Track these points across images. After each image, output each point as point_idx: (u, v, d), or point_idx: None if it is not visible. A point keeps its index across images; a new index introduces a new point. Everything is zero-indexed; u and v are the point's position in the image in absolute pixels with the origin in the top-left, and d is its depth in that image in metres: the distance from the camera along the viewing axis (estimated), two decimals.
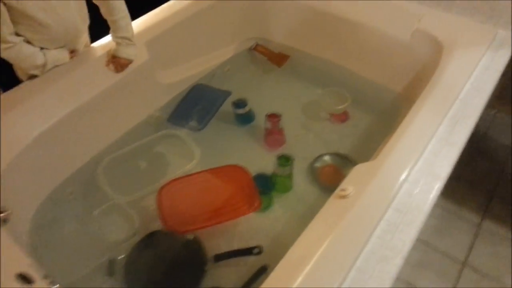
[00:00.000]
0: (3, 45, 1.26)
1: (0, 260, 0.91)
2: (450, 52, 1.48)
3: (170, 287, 1.23)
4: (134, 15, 1.71)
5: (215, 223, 1.31)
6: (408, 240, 0.98)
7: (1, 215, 0.80)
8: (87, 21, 1.48)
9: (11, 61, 1.35)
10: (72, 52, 1.47)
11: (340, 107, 1.68)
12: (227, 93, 1.82)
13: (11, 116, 1.30)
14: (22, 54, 1.32)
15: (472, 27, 1.58)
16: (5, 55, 1.29)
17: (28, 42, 1.33)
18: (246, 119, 1.74)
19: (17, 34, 1.29)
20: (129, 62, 1.52)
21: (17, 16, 1.25)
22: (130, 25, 1.50)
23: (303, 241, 1.00)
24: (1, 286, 0.86)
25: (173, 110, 1.77)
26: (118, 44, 1.49)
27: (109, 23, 1.46)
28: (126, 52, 1.49)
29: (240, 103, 1.70)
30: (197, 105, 1.78)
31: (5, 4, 1.19)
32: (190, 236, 1.29)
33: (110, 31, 1.49)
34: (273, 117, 1.57)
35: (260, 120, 1.69)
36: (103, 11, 1.43)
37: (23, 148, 1.29)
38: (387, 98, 1.77)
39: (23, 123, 1.31)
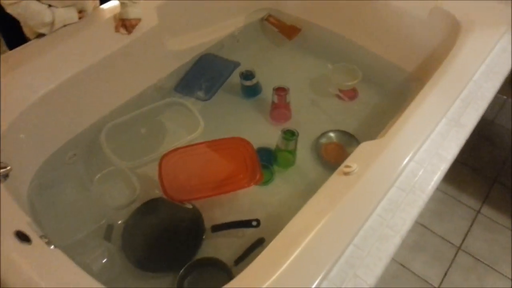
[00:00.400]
0: (9, 0, 1.24)
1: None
2: (467, 32, 1.43)
3: (167, 254, 1.24)
4: None
5: (215, 194, 1.30)
6: (408, 220, 0.97)
7: (1, 170, 0.79)
8: None
9: (18, 17, 1.32)
10: (81, 12, 1.44)
11: (350, 83, 1.65)
12: (236, 64, 1.79)
13: (17, 75, 1.29)
14: (29, 11, 1.29)
15: (492, 8, 1.53)
16: (12, 11, 1.27)
17: None
18: (253, 91, 1.71)
19: None
20: (138, 21, 1.49)
21: None
22: None
23: (303, 215, 1.00)
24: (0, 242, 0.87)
25: (180, 79, 1.75)
26: (124, 5, 1.45)
27: None
28: (134, 12, 1.46)
29: (247, 75, 1.67)
30: (204, 75, 1.75)
31: None
32: (188, 205, 1.29)
33: None
34: (281, 90, 1.54)
35: (267, 93, 1.67)
36: None
37: (27, 107, 1.28)
38: (398, 77, 1.73)
39: (28, 82, 1.30)
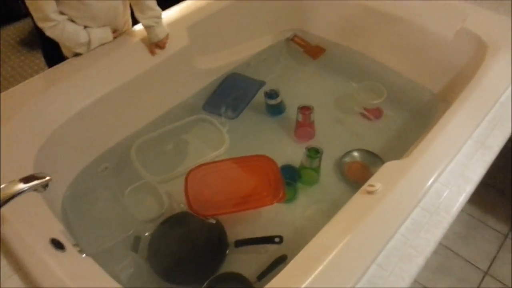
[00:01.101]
0: (48, 24, 1.32)
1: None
2: (494, 54, 1.43)
3: (191, 267, 1.26)
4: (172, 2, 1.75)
5: (238, 210, 1.32)
6: (432, 241, 0.97)
7: (42, 181, 0.84)
8: (127, 2, 1.51)
9: (56, 39, 1.40)
10: (115, 31, 1.52)
11: (375, 101, 1.66)
12: (261, 83, 1.83)
13: (55, 90, 1.36)
14: (66, 32, 1.37)
15: None
16: (50, 33, 1.35)
17: (72, 20, 1.38)
18: (277, 110, 1.74)
19: (61, 13, 1.34)
20: (168, 36, 1.55)
21: None
22: (156, 3, 1.49)
23: (326, 233, 1.00)
24: (37, 249, 0.91)
25: (208, 98, 1.79)
26: (150, 27, 1.49)
27: (135, 5, 1.46)
28: (162, 31, 1.51)
29: (272, 94, 1.71)
30: (231, 94, 1.79)
31: None
32: (212, 220, 1.31)
33: (137, 13, 1.48)
34: (305, 109, 1.56)
35: (291, 112, 1.70)
36: None
37: (65, 121, 1.36)
38: (423, 98, 1.73)
39: (66, 97, 1.38)
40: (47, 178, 0.85)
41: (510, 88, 1.33)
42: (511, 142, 1.84)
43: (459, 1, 1.65)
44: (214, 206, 1.33)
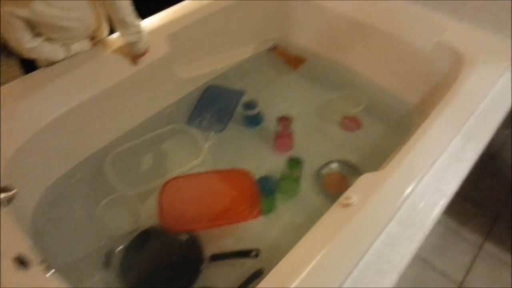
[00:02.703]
0: (25, 51, 1.31)
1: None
2: (471, 67, 1.45)
3: (165, 282, 1.23)
4: (151, 11, 1.73)
5: (212, 226, 1.30)
6: (406, 255, 0.96)
7: (5, 195, 0.81)
8: (104, 14, 1.48)
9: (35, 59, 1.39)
10: (93, 39, 1.50)
11: (354, 110, 1.66)
12: (241, 92, 1.83)
13: (29, 99, 1.33)
14: (44, 54, 1.36)
15: (496, 42, 1.55)
16: (27, 56, 1.34)
17: (49, 38, 1.35)
18: (255, 120, 1.73)
19: (38, 33, 1.32)
20: (149, 47, 1.54)
21: (37, 23, 1.28)
22: (137, 17, 1.46)
23: (301, 247, 0.99)
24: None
25: (190, 113, 1.76)
26: (132, 43, 1.47)
27: (116, 22, 1.43)
28: (144, 45, 1.50)
29: (250, 104, 1.70)
30: (213, 106, 1.77)
31: (21, 18, 1.22)
32: (183, 236, 1.28)
33: (118, 30, 1.46)
34: (284, 120, 1.56)
35: (269, 122, 1.69)
36: (108, 10, 1.41)
37: (37, 131, 1.32)
38: (401, 109, 1.74)
39: (40, 106, 1.34)
40: (12, 191, 0.81)
41: (485, 101, 1.35)
42: (486, 154, 1.88)
43: (437, 15, 1.68)
44: (187, 221, 1.31)
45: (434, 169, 1.16)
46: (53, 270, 0.94)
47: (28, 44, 1.28)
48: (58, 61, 1.42)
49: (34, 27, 1.29)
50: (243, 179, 1.41)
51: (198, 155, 1.58)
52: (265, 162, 1.57)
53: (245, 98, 1.77)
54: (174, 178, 1.43)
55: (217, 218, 1.31)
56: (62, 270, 1.10)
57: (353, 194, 1.08)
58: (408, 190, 1.08)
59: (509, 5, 1.50)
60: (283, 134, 1.59)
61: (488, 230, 1.68)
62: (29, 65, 1.55)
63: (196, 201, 1.37)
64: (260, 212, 1.32)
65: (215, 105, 1.78)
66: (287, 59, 2.02)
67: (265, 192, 1.43)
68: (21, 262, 0.90)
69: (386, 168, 1.15)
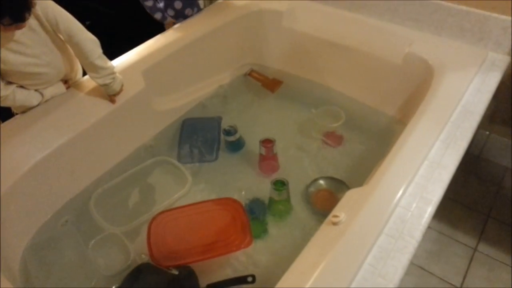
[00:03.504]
0: None
1: None
2: (440, 75, 1.49)
3: None
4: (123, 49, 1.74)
5: (203, 259, 1.28)
6: (400, 267, 0.97)
7: None
8: (75, 58, 1.48)
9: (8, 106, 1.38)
10: (66, 82, 1.50)
11: (335, 124, 1.69)
12: (219, 119, 1.85)
13: (7, 146, 1.32)
14: (17, 101, 1.35)
15: (463, 50, 1.60)
16: (1, 104, 1.32)
17: (22, 86, 1.35)
18: (236, 146, 1.74)
19: (9, 82, 1.31)
20: (123, 87, 1.54)
21: (6, 72, 1.28)
22: (107, 59, 1.46)
23: (295, 269, 0.99)
24: None
25: (178, 152, 1.73)
26: (106, 85, 1.46)
27: (86, 66, 1.43)
28: (118, 85, 1.50)
29: (230, 130, 1.71)
30: (197, 139, 1.77)
31: None
32: (174, 272, 1.25)
33: (90, 74, 1.45)
34: (267, 142, 1.57)
35: (252, 146, 1.70)
36: (76, 54, 1.41)
37: (18, 178, 1.30)
38: (381, 121, 1.78)
39: (19, 153, 1.33)
40: None
41: (459, 107, 1.39)
42: (470, 155, 1.92)
43: (401, 27, 1.73)
44: (177, 256, 1.29)
45: (418, 178, 1.17)
46: None
47: (0, 92, 1.28)
48: (33, 107, 1.41)
49: (4, 76, 1.28)
50: (233, 208, 1.40)
51: (184, 185, 1.57)
52: (252, 185, 1.57)
53: (224, 124, 1.78)
54: (161, 213, 1.41)
55: (208, 250, 1.29)
56: None
57: (340, 211, 1.08)
58: (394, 202, 1.09)
59: (470, 14, 1.56)
60: (267, 156, 1.59)
61: (480, 231, 1.70)
62: (4, 113, 1.54)
63: (186, 235, 1.35)
64: (251, 240, 1.30)
65: (199, 137, 1.77)
66: (264, 82, 2.05)
67: (255, 216, 1.43)
68: None
69: (370, 183, 1.16)
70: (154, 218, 1.39)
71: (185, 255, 1.29)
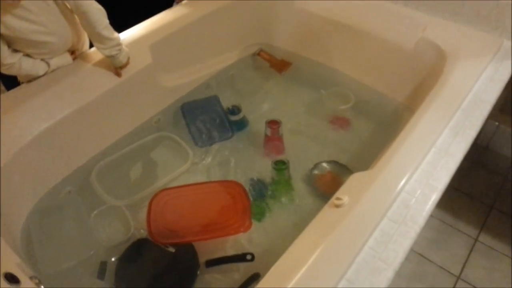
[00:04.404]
0: (3, 67, 1.28)
1: None
2: (453, 62, 1.46)
3: None
4: (130, 23, 1.72)
5: (201, 239, 1.28)
6: (401, 252, 0.96)
7: None
8: (82, 29, 1.46)
9: (15, 75, 1.36)
10: (73, 53, 1.48)
11: (343, 107, 1.67)
12: (216, 97, 1.83)
13: (12, 115, 1.31)
14: (23, 70, 1.34)
15: (477, 37, 1.57)
16: (7, 72, 1.31)
17: (28, 55, 1.34)
18: (240, 125, 1.72)
19: (16, 50, 1.30)
20: (129, 59, 1.52)
21: (13, 39, 1.26)
22: (113, 30, 1.43)
23: (295, 249, 0.99)
24: None
25: (193, 137, 1.69)
26: (112, 56, 1.44)
27: (92, 36, 1.41)
28: (124, 58, 1.48)
29: (234, 110, 1.69)
30: (205, 120, 1.74)
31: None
32: (171, 249, 1.26)
33: (96, 45, 1.43)
34: (273, 123, 1.56)
35: (257, 126, 1.69)
36: (83, 24, 1.39)
37: (22, 146, 1.30)
38: (388, 107, 1.75)
39: (23, 122, 1.32)
40: None
41: (470, 95, 1.36)
42: (477, 146, 1.89)
43: (416, 11, 1.69)
44: (175, 234, 1.28)
45: (424, 165, 1.16)
46: (42, 287, 0.92)
47: (7, 59, 1.26)
48: (39, 77, 1.40)
49: (11, 43, 1.27)
50: (234, 190, 1.39)
51: (185, 160, 1.57)
52: (256, 166, 1.56)
53: (228, 104, 1.76)
54: (162, 190, 1.41)
55: (207, 231, 1.29)
56: (55, 281, 1.09)
57: (343, 194, 1.07)
58: (399, 187, 1.08)
59: (488, 1, 1.52)
60: (272, 137, 1.58)
61: (482, 222, 1.69)
62: (10, 82, 1.53)
63: (185, 214, 1.35)
64: (251, 224, 1.29)
65: (205, 118, 1.75)
66: (273, 63, 2.02)
67: (257, 196, 1.43)
68: (11, 278, 0.88)
69: (375, 167, 1.15)
70: (155, 195, 1.38)
71: (183, 234, 1.29)
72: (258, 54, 2.06)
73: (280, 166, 1.40)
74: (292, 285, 0.88)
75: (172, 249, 1.26)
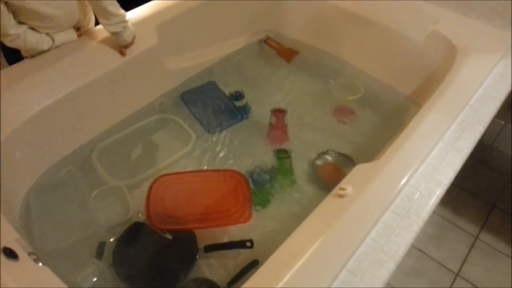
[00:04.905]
0: (8, 38, 1.26)
1: None
2: (464, 57, 1.44)
3: (159, 273, 1.21)
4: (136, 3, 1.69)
5: (199, 227, 1.27)
6: (403, 245, 0.95)
7: None
8: (89, 6, 1.44)
9: (19, 48, 1.34)
10: (79, 29, 1.46)
11: (351, 97, 1.65)
12: (214, 83, 1.81)
13: (13, 91, 1.29)
14: (28, 43, 1.32)
15: (489, 33, 1.54)
16: (12, 45, 1.29)
17: (33, 28, 1.31)
18: (243, 111, 1.71)
19: (21, 22, 1.28)
20: (134, 38, 1.49)
21: (18, 9, 1.24)
22: (119, 7, 1.41)
23: (296, 238, 0.98)
24: None
25: (201, 123, 1.67)
26: (117, 33, 1.41)
27: (98, 11, 1.38)
28: (130, 35, 1.46)
29: (237, 95, 1.67)
30: (210, 106, 1.72)
31: (5, 2, 1.18)
32: (168, 236, 1.25)
33: (101, 20, 1.40)
34: (278, 112, 1.54)
35: (262, 115, 1.67)
36: None
37: (23, 122, 1.28)
38: (395, 100, 1.73)
39: (26, 97, 1.30)
40: None
41: (480, 91, 1.35)
42: (482, 144, 1.88)
43: (428, 3, 1.66)
44: (173, 221, 1.27)
45: (430, 159, 1.15)
46: (40, 264, 0.92)
47: (12, 29, 1.24)
48: (43, 51, 1.38)
49: (16, 14, 1.24)
50: (236, 180, 1.37)
51: (187, 143, 1.56)
52: (259, 155, 1.55)
53: (231, 90, 1.74)
54: (163, 176, 1.39)
55: (206, 220, 1.27)
56: (51, 258, 1.08)
57: (347, 185, 1.07)
58: (403, 180, 1.06)
59: None
60: (277, 126, 1.56)
61: (484, 220, 1.69)
62: (13, 57, 1.51)
63: (185, 201, 1.33)
64: (251, 215, 1.28)
65: (208, 104, 1.73)
66: (280, 51, 1.99)
67: (259, 184, 1.41)
68: (9, 253, 0.87)
69: (380, 159, 1.13)
70: (155, 180, 1.37)
71: (181, 221, 1.27)
72: (265, 41, 2.03)
73: (282, 154, 1.39)
74: (292, 273, 0.87)
75: (169, 236, 1.25)
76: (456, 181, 1.12)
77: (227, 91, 1.77)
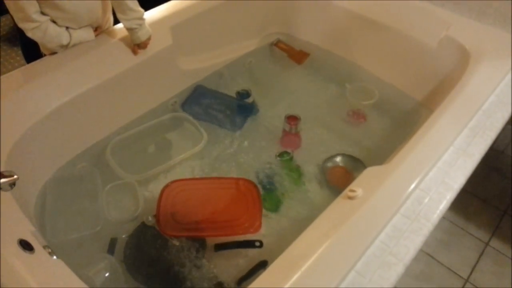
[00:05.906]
0: (30, 25, 1.27)
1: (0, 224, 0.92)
2: (477, 62, 1.44)
3: (169, 271, 1.23)
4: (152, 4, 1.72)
5: (209, 235, 1.27)
6: (412, 248, 0.95)
7: (7, 180, 0.80)
8: (109, 1, 1.47)
9: (37, 40, 1.36)
10: (96, 29, 1.49)
11: (365, 102, 1.66)
12: (201, 86, 1.82)
13: (31, 88, 1.32)
14: (48, 35, 1.33)
15: (503, 39, 1.53)
16: (31, 35, 1.31)
17: (53, 21, 1.34)
18: (249, 109, 1.73)
19: (43, 13, 1.30)
20: (150, 38, 1.51)
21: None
22: (138, 4, 1.43)
23: (305, 238, 0.99)
24: (2, 250, 0.87)
25: (225, 124, 1.69)
26: (132, 29, 1.44)
27: (117, 5, 1.40)
28: (144, 34, 1.48)
29: (244, 94, 1.68)
30: (214, 107, 1.74)
31: None
32: (176, 242, 1.25)
33: (118, 15, 1.42)
34: (292, 119, 1.55)
35: (274, 118, 1.69)
36: None
37: (40, 119, 1.31)
38: (407, 105, 1.73)
39: (42, 94, 1.33)
40: (14, 177, 0.81)
41: (492, 96, 1.34)
42: (494, 150, 1.86)
43: (441, 8, 1.66)
44: (183, 228, 1.27)
45: (441, 163, 1.15)
46: (55, 257, 0.94)
47: (35, 15, 1.25)
48: (61, 47, 1.41)
49: (39, 2, 1.26)
50: (247, 189, 1.36)
51: (199, 142, 1.57)
52: (269, 158, 1.55)
53: (237, 88, 1.77)
54: (175, 181, 1.39)
55: (215, 228, 1.27)
56: (62, 250, 1.10)
57: (357, 187, 1.07)
58: (414, 184, 1.07)
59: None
60: (291, 133, 1.57)
61: (495, 227, 1.67)
62: (32, 55, 1.54)
63: (196, 208, 1.33)
64: (260, 226, 1.26)
65: (216, 107, 1.75)
66: (290, 53, 2.00)
67: (269, 190, 1.42)
68: (25, 245, 0.89)
69: (391, 162, 1.14)
70: (166, 186, 1.36)
71: (191, 228, 1.27)
72: (276, 44, 2.05)
73: (284, 156, 1.42)
74: (300, 273, 0.88)
75: (176, 242, 1.26)
76: (468, 187, 1.12)
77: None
